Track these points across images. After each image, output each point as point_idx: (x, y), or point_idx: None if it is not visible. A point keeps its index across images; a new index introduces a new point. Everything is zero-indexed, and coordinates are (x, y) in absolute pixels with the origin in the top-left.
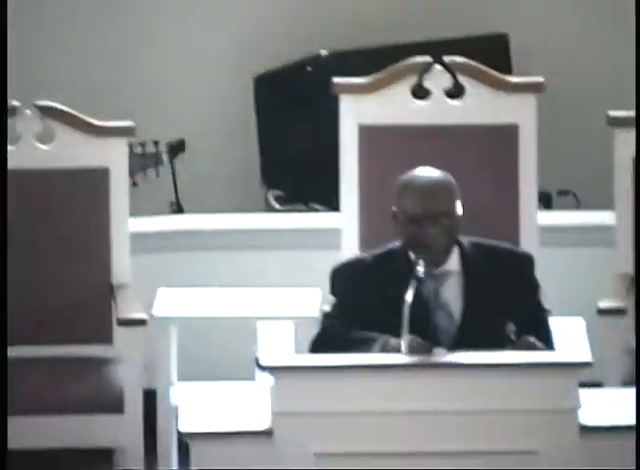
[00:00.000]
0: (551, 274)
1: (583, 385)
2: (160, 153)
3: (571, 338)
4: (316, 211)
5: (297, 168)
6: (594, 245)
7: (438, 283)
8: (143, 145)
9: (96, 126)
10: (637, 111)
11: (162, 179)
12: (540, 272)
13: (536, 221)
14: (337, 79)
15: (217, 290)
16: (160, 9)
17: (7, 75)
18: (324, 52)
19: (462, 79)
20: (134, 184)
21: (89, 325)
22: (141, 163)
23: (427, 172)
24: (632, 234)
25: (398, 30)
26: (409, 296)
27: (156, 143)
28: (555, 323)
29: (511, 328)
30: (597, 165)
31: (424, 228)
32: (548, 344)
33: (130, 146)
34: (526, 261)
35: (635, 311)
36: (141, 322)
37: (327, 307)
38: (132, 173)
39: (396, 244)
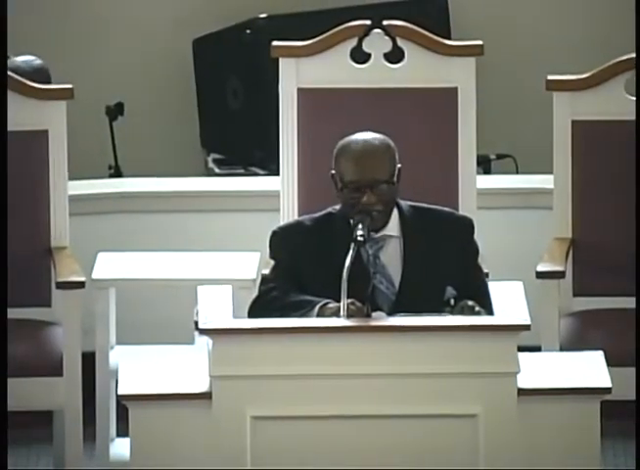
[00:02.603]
0: (490, 238)
1: (521, 349)
2: None
3: (509, 302)
4: (255, 174)
5: (236, 132)
6: (532, 209)
7: (378, 247)
8: None
9: (35, 89)
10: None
11: (101, 142)
12: (479, 236)
13: (475, 185)
14: (276, 43)
15: (157, 254)
16: None
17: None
18: (263, 15)
19: (401, 43)
20: None
21: (28, 288)
22: None
23: (364, 137)
24: (570, 198)
25: None
26: (348, 260)
27: None
28: (493, 287)
29: (450, 292)
30: (535, 130)
31: (361, 196)
32: (488, 308)
33: None
34: (466, 225)
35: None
36: (79, 285)
37: (266, 271)
38: None
39: (336, 208)
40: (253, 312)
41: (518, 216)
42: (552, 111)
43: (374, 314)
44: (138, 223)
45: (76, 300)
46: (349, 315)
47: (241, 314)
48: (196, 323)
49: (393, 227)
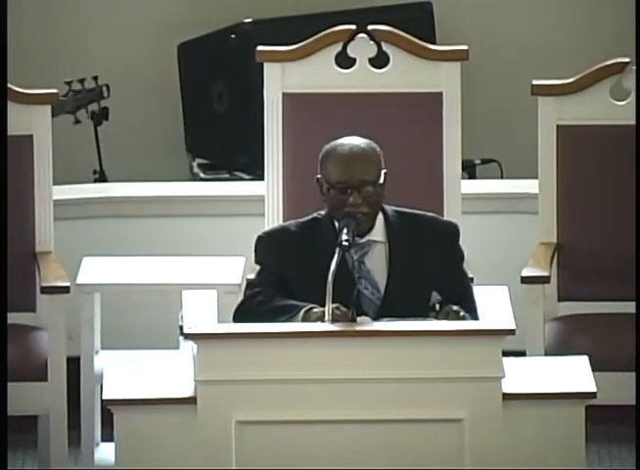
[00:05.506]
0: (475, 243)
1: (506, 353)
2: (101, 87)
3: (494, 307)
4: (241, 179)
5: (221, 137)
6: (517, 213)
7: (363, 252)
8: (82, 81)
9: (19, 93)
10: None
11: (86, 147)
12: (464, 241)
13: (460, 190)
14: (261, 47)
15: (141, 258)
16: None
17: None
18: (248, 20)
19: (386, 47)
20: (77, 122)
21: (12, 293)
22: (81, 99)
23: (350, 141)
24: (555, 203)
25: None
26: (333, 264)
27: (95, 78)
28: (478, 292)
29: (435, 297)
30: (521, 134)
31: (347, 197)
32: (473, 313)
33: (69, 83)
34: (451, 231)
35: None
36: (64, 289)
37: (251, 276)
38: (74, 111)
39: (321, 213)
40: (238, 317)
41: (503, 221)
42: (537, 115)
43: (359, 319)
44: (123, 228)
45: (61, 304)
46: (334, 320)
47: (226, 319)
48: (181, 328)
49: (378, 232)
